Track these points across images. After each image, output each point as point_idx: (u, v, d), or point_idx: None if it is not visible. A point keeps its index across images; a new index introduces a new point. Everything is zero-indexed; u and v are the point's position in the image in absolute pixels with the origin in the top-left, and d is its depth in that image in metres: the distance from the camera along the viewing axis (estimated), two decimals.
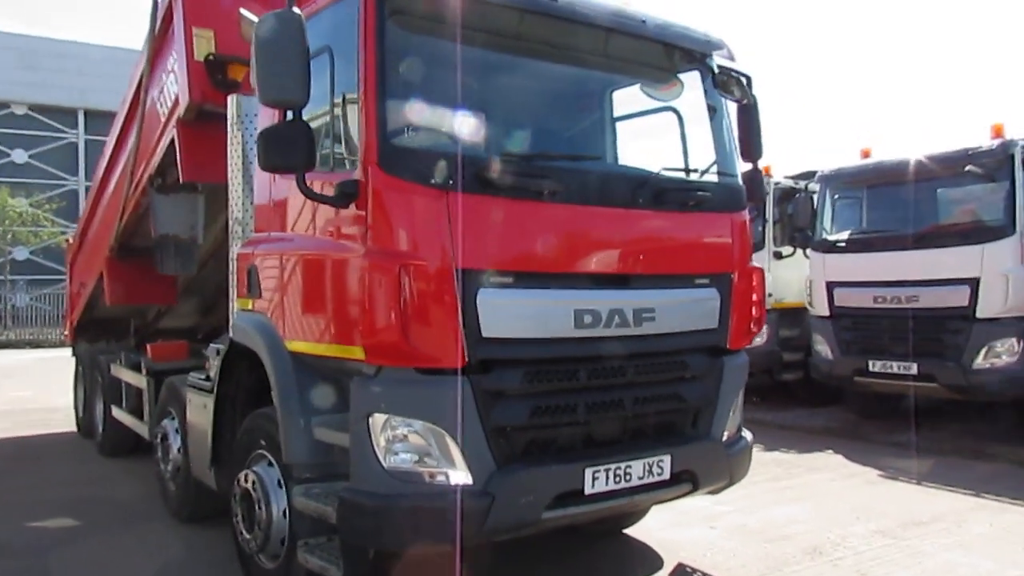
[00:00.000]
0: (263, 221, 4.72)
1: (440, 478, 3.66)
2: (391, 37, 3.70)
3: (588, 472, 3.95)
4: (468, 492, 3.65)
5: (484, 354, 3.72)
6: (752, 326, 4.82)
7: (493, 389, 3.76)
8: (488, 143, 4.02)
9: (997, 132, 9.01)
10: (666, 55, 4.68)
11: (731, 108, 4.96)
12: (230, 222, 5.28)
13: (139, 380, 7.40)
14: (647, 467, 4.16)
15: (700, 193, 4.55)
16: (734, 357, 4.72)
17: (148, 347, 7.43)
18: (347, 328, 3.82)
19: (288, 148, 3.66)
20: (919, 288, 8.91)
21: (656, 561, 5.24)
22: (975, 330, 8.48)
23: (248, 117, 5.18)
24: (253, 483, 4.45)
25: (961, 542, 5.55)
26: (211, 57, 5.81)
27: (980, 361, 8.44)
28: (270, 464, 4.47)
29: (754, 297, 4.81)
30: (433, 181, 3.64)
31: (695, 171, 4.69)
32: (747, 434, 4.93)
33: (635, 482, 4.12)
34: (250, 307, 4.64)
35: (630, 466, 4.09)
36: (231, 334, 4.83)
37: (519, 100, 4.44)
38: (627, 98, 5.09)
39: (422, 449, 3.65)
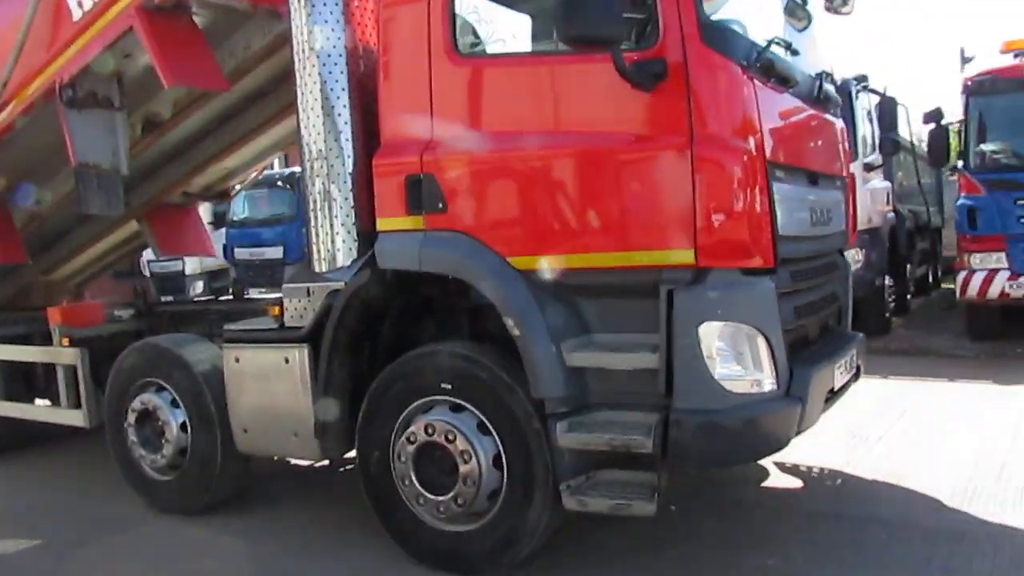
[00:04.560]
0: (413, 123, 3.88)
1: (756, 387, 3.39)
2: None
3: (837, 369, 3.95)
4: (790, 399, 3.45)
5: (780, 253, 3.50)
6: (853, 229, 5.08)
7: (781, 290, 3.56)
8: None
9: None
10: None
11: None
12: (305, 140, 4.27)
13: (49, 355, 5.76)
14: (848, 362, 4.25)
15: (837, 98, 4.66)
16: (846, 257, 4.95)
17: (56, 312, 5.76)
18: (654, 230, 3.36)
19: (603, 15, 3.08)
20: None
21: None
22: None
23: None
24: (447, 435, 3.73)
25: None
26: None
27: None
28: (454, 409, 3.79)
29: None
30: (745, 63, 3.31)
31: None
32: None
33: (847, 377, 4.20)
34: (420, 226, 3.82)
35: (846, 361, 4.16)
36: (380, 261, 3.94)
37: None
38: None
39: (743, 357, 3.35)
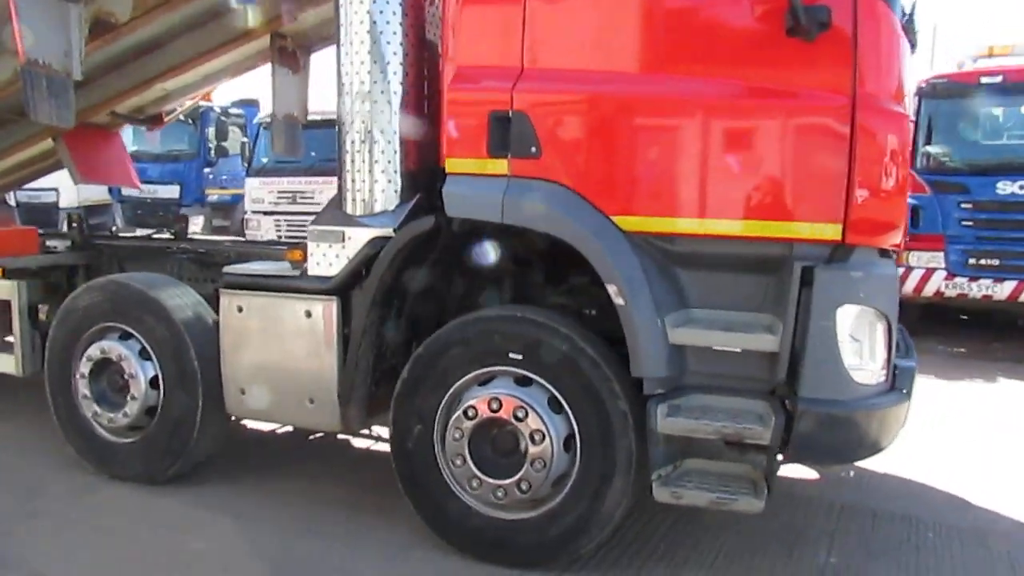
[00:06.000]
0: (498, 51, 3.35)
1: (872, 378, 3.14)
2: None
3: None
4: (899, 392, 3.22)
5: None
6: None
7: None
8: None
9: None
10: None
11: None
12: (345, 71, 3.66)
13: None
14: None
15: None
16: None
17: None
18: (792, 198, 3.02)
19: None
20: None
21: None
22: None
23: None
24: (517, 411, 3.28)
25: None
26: None
27: None
28: (520, 383, 3.35)
29: None
30: (899, 20, 3.02)
31: None
32: None
33: None
34: (504, 171, 3.30)
35: None
36: (448, 207, 3.40)
37: None
38: None
39: (863, 345, 3.09)
